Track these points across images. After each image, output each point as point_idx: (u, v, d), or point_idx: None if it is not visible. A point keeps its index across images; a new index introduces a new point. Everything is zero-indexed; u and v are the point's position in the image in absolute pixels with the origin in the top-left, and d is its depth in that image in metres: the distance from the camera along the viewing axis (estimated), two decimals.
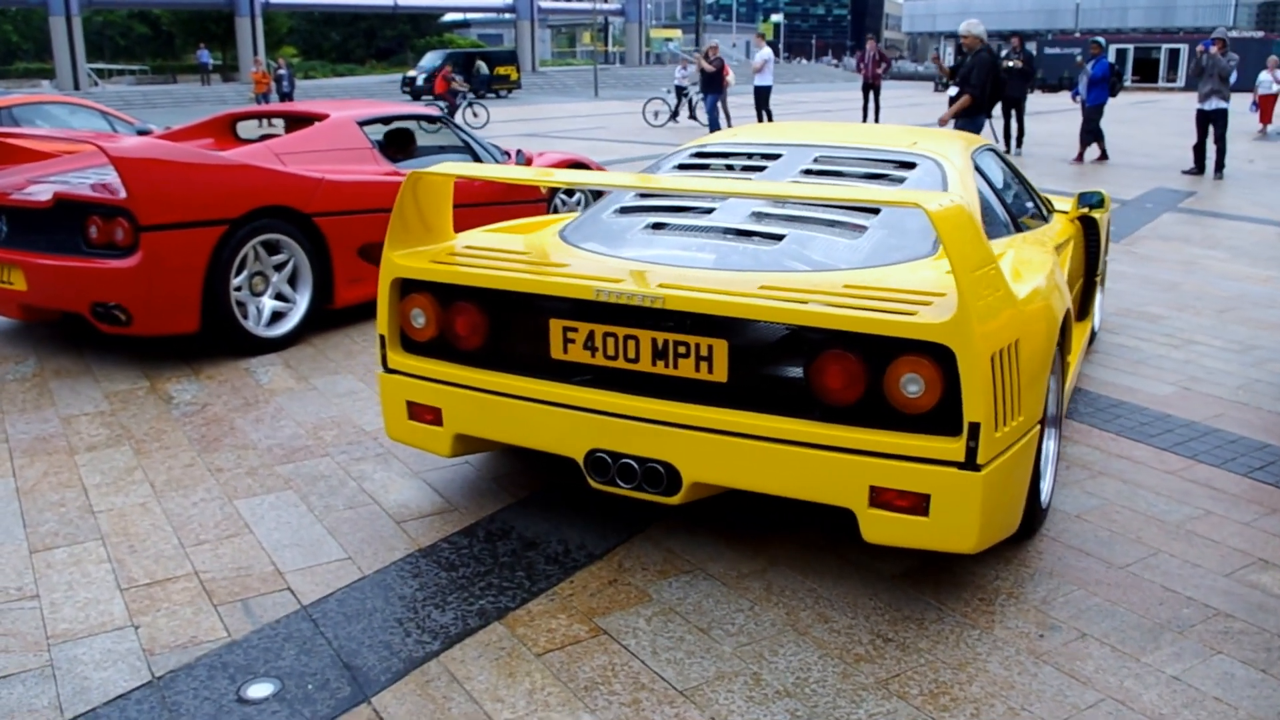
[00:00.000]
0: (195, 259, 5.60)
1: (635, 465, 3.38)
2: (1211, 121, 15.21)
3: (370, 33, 75.34)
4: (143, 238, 5.39)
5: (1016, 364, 3.12)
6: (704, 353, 3.25)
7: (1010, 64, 17.87)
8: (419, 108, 7.97)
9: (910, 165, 4.29)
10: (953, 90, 11.31)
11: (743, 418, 3.21)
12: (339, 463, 4.49)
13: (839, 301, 3.09)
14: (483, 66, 45.63)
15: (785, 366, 3.23)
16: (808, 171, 4.31)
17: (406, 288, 3.77)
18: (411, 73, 46.30)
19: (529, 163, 7.87)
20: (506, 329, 3.64)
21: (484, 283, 3.56)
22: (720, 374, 3.24)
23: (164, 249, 5.46)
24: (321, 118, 7.12)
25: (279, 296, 6.18)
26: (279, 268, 6.13)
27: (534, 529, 3.85)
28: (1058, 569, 3.61)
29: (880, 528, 3.13)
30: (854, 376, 3.08)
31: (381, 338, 3.86)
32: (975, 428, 2.96)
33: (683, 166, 4.61)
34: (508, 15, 65.43)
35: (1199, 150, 15.56)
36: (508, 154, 8.11)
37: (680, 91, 25.02)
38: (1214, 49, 15.06)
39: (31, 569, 3.59)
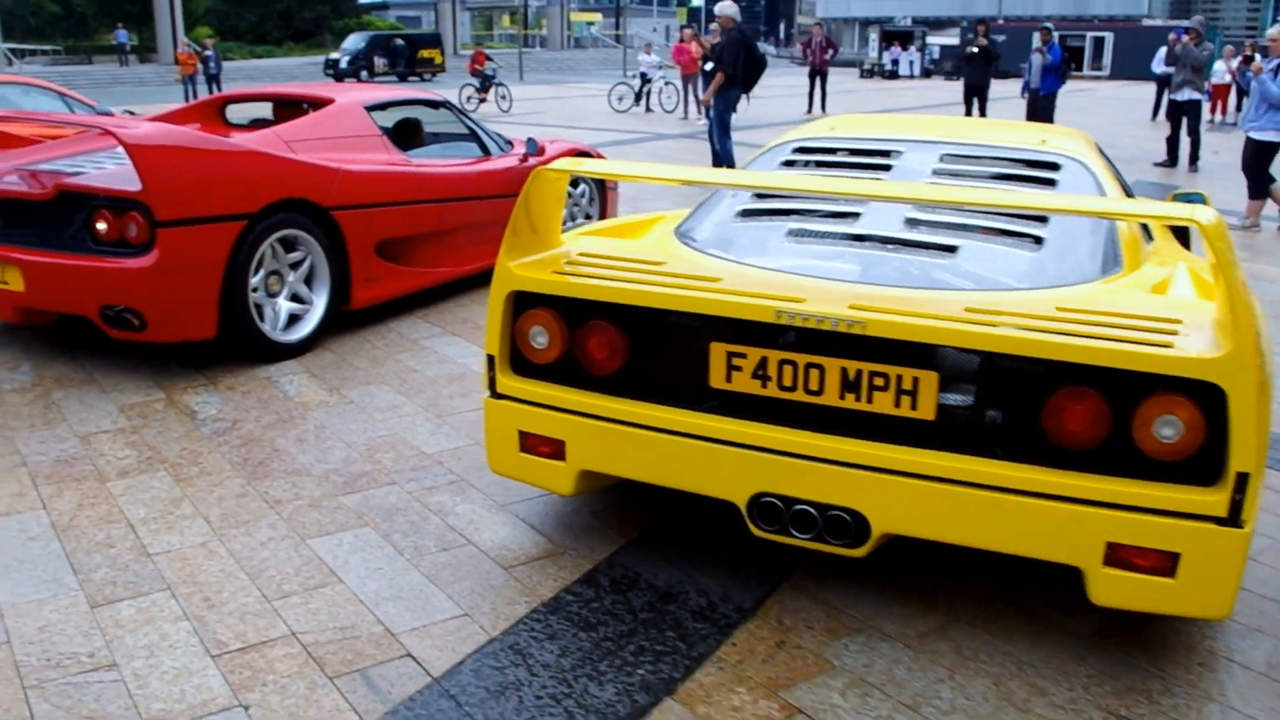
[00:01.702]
0: (214, 258, 5.05)
1: (815, 513, 2.96)
2: (1185, 112, 14.98)
3: (287, 14, 73.33)
4: (159, 234, 4.83)
5: (1268, 400, 2.76)
6: (908, 386, 2.83)
7: (973, 50, 17.59)
8: (422, 92, 7.42)
9: (1053, 166, 3.93)
10: (709, 66, 12.55)
11: (955, 461, 2.81)
12: (411, 493, 4.01)
13: (1074, 330, 2.70)
14: (401, 44, 44.73)
15: (1008, 404, 2.83)
16: (938, 172, 3.92)
17: (523, 302, 3.30)
18: (334, 55, 45.10)
19: (542, 152, 7.37)
20: (651, 352, 3.19)
21: (630, 299, 3.10)
22: (927, 410, 2.83)
23: (181, 247, 4.90)
24: (326, 102, 6.56)
25: (294, 298, 5.64)
26: (294, 266, 5.59)
27: (663, 576, 3.41)
28: (1264, 624, 3.24)
29: (1114, 589, 2.75)
30: (1097, 417, 2.68)
31: (490, 358, 3.39)
32: (1243, 479, 2.59)
33: (788, 164, 4.19)
34: None
35: (1173, 142, 15.26)
36: (511, 143, 7.61)
37: (644, 78, 24.50)
38: (1187, 38, 14.87)
39: (99, 629, 3.07)
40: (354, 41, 45.98)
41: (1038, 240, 3.37)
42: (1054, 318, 2.78)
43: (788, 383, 2.97)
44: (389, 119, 6.94)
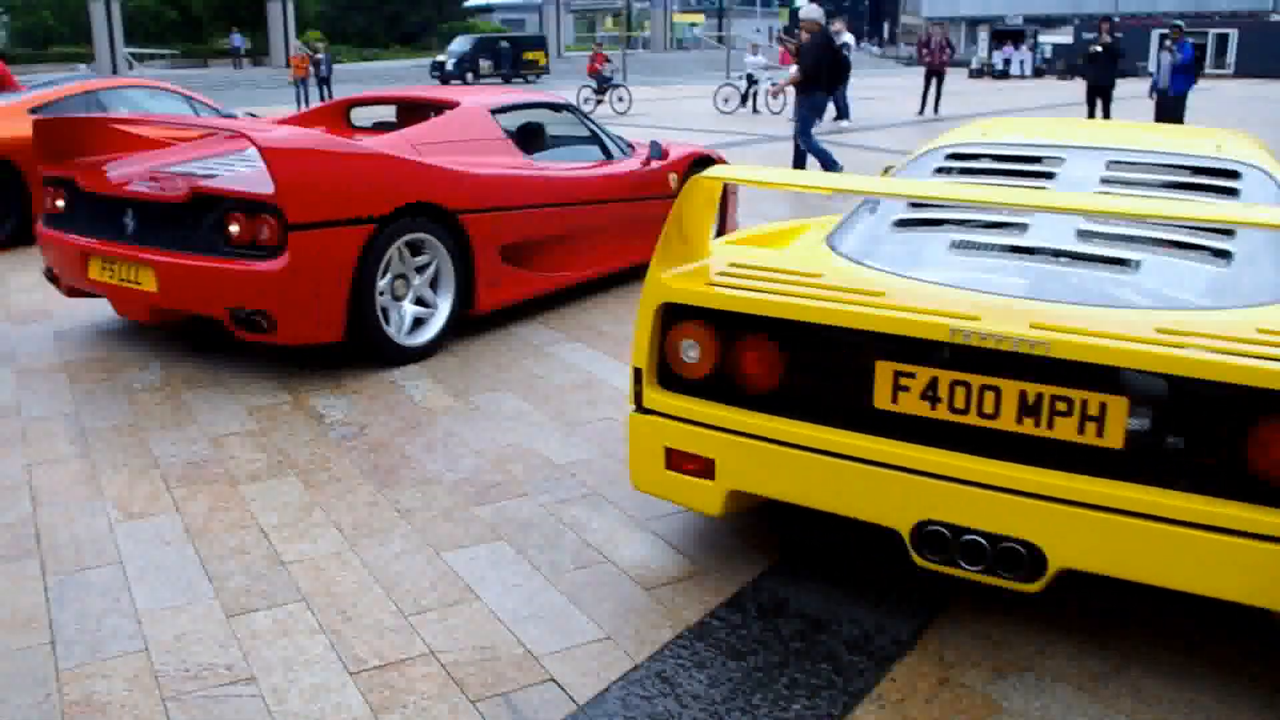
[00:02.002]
0: (343, 261, 5.01)
1: (986, 544, 2.78)
2: None
3: (394, 17, 74.60)
4: (290, 237, 4.80)
5: None
6: (1094, 411, 2.64)
7: (1096, 49, 16.99)
8: (545, 95, 7.35)
9: (1231, 174, 3.68)
10: (793, 68, 12.67)
11: (1145, 494, 2.61)
12: (544, 505, 3.90)
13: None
14: (505, 46, 45.44)
15: (1205, 433, 2.61)
16: (1106, 180, 3.70)
17: (673, 314, 3.17)
18: (440, 57, 45.74)
19: (665, 155, 7.24)
20: (809, 369, 3.03)
21: (789, 313, 2.95)
22: (1114, 438, 2.63)
23: (312, 250, 4.86)
24: (450, 105, 6.52)
25: (419, 301, 5.58)
26: (420, 270, 5.54)
27: (812, 602, 3.24)
28: None
29: None
30: None
31: (637, 371, 3.25)
32: None
33: (941, 171, 4.00)
34: (534, 0, 64.96)
35: None
36: (632, 146, 7.50)
37: (750, 79, 24.22)
38: None
39: (235, 640, 3.00)
40: (460, 44, 46.60)
41: (1224, 255, 3.14)
42: (1257, 340, 2.57)
43: (959, 405, 2.79)
44: (511, 122, 6.87)
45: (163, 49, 59.71)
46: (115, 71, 42.06)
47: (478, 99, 6.57)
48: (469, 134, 6.17)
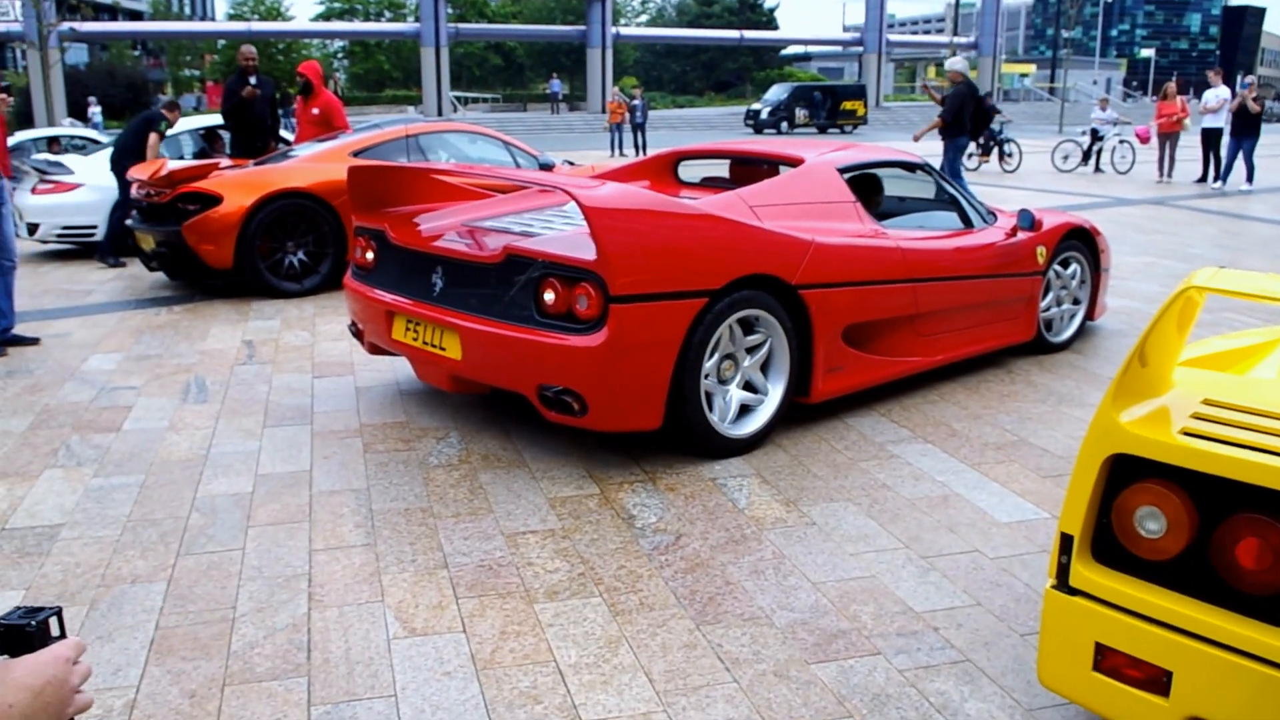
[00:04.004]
0: (668, 339, 4.37)
1: None
2: None
3: (710, 65, 75.66)
4: (611, 310, 4.20)
5: None
6: None
7: None
8: (898, 152, 6.51)
9: None
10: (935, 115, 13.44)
11: None
12: (902, 672, 3.09)
13: None
14: (819, 95, 45.21)
15: None
16: None
17: (1129, 469, 2.31)
18: (756, 105, 45.75)
19: (1038, 226, 6.27)
20: None
21: None
22: None
23: (635, 326, 4.25)
24: (792, 161, 5.83)
25: (747, 386, 4.89)
26: (751, 351, 4.84)
27: None
28: None
29: None
30: None
31: (1065, 538, 2.41)
32: None
33: None
34: (854, 49, 64.28)
35: None
36: (994, 213, 6.58)
37: (1095, 134, 22.22)
38: None
39: None
40: (776, 92, 46.52)
41: None
42: None
43: None
44: (859, 182, 6.11)
45: (485, 93, 63.02)
46: (440, 114, 44.22)
47: (824, 155, 5.83)
48: (813, 196, 5.44)
